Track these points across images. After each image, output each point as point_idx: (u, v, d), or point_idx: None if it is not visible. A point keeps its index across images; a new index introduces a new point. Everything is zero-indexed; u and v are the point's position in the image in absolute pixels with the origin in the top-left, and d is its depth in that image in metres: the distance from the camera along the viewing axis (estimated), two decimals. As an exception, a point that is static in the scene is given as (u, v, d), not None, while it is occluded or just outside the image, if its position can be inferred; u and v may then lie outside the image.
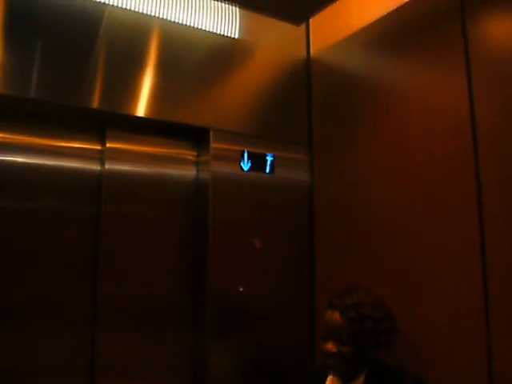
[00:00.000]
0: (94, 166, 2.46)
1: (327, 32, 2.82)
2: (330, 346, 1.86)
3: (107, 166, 2.45)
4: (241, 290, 2.52)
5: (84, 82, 2.31)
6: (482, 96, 1.94)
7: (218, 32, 2.70)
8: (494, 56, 1.91)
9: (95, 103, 2.32)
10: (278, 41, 2.87)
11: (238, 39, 2.75)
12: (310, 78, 2.90)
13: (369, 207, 2.42)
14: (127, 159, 2.52)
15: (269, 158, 2.69)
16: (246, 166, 2.62)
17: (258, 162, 2.66)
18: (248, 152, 2.64)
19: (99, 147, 2.49)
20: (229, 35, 2.72)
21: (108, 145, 2.48)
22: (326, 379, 1.97)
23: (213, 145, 2.58)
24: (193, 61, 2.61)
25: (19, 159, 2.29)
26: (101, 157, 2.47)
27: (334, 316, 1.88)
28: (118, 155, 2.50)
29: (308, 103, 2.88)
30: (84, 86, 2.31)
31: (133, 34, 2.47)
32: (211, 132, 2.57)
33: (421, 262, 2.12)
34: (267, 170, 2.69)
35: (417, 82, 2.23)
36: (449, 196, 2.03)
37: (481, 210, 1.89)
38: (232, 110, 2.67)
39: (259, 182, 2.67)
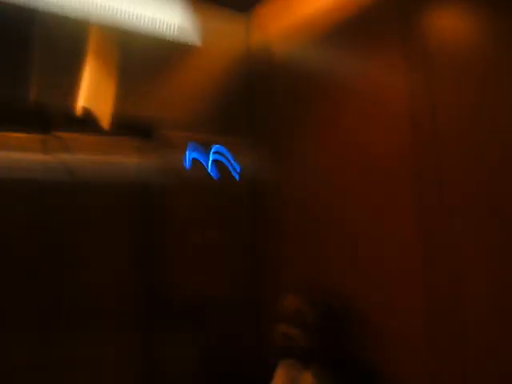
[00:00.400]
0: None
1: (272, 25, 2.86)
2: (287, 329, 1.93)
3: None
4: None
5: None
6: (419, 90, 2.04)
7: (162, 30, 2.69)
8: (428, 53, 2.01)
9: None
10: (222, 35, 2.89)
11: (180, 35, 2.75)
12: (259, 73, 2.93)
13: (314, 200, 2.49)
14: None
15: (214, 153, 2.71)
16: (190, 161, 2.63)
17: (202, 156, 2.67)
18: (192, 146, 2.65)
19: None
20: (172, 31, 2.72)
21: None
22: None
23: (156, 139, 2.58)
24: (138, 59, 2.60)
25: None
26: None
27: (296, 301, 1.96)
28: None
29: (252, 98, 2.92)
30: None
31: (73, 36, 2.44)
32: (156, 126, 2.58)
33: (362, 249, 2.22)
34: (211, 165, 2.70)
35: (362, 77, 2.30)
36: (387, 185, 2.13)
37: (418, 198, 1.99)
38: (177, 105, 2.68)
39: (204, 178, 2.68)
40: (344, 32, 2.40)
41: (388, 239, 2.11)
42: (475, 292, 1.78)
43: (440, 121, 1.94)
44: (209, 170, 2.69)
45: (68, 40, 2.42)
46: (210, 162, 2.70)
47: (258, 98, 2.91)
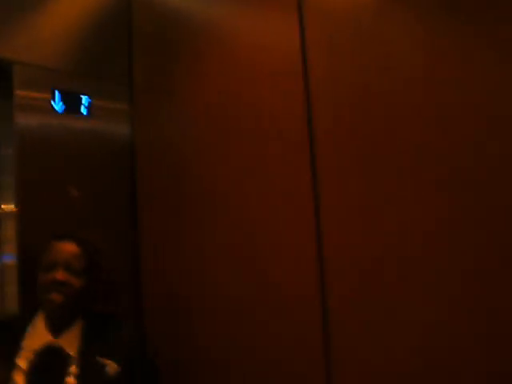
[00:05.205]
0: None
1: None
2: (61, 275, 1.74)
3: None
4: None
5: None
6: (313, 36, 1.89)
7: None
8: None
9: None
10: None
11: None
12: (132, 11, 2.61)
13: (193, 164, 2.28)
14: None
15: (85, 98, 2.38)
16: (58, 106, 2.29)
17: (72, 102, 2.34)
18: (61, 91, 2.30)
19: None
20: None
21: None
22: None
23: (17, 81, 2.19)
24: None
25: None
26: None
27: (70, 246, 1.81)
28: None
29: (129, 40, 2.60)
30: None
31: None
32: (15, 66, 2.19)
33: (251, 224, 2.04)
34: (83, 112, 2.37)
35: (247, 18, 2.11)
36: (282, 134, 1.96)
37: (312, 147, 1.86)
38: (42, 42, 2.30)
39: (74, 126, 2.36)
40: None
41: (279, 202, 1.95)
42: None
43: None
44: (78, 121, 2.36)
45: None
46: (79, 111, 2.35)
47: (135, 44, 2.58)
